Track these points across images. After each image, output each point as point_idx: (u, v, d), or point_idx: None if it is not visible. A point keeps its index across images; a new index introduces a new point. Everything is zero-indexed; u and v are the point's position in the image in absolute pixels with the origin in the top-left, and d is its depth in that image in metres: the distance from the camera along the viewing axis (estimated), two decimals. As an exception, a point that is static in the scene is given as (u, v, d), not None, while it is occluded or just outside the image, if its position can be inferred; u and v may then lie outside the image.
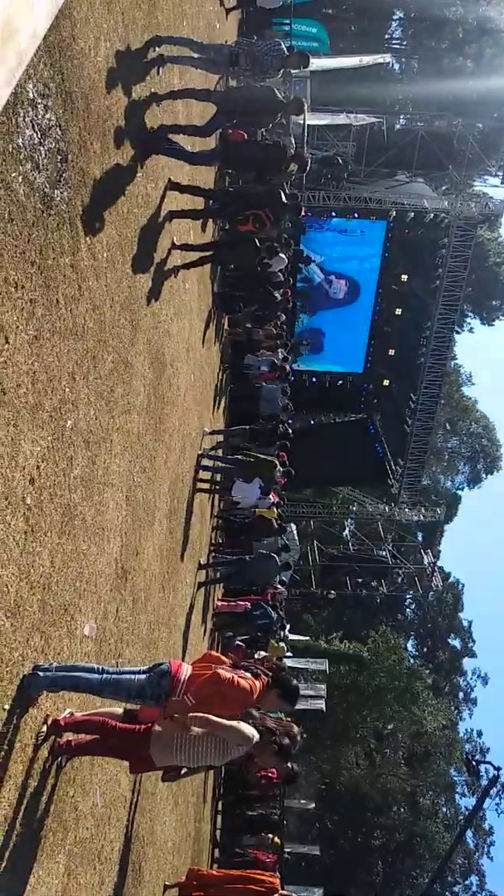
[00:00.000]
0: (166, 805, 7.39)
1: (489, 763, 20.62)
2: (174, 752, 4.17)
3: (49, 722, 3.77)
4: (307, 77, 17.38)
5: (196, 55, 6.48)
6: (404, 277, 24.19)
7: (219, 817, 13.94)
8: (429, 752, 29.66)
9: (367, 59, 23.22)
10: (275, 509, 12.11)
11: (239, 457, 10.95)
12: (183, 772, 4.61)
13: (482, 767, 22.71)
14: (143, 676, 4.04)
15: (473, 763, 23.29)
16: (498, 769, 18.68)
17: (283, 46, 6.68)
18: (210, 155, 7.35)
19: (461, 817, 31.68)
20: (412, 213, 20.46)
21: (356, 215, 21.75)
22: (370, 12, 27.73)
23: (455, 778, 32.00)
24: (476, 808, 22.09)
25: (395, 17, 33.58)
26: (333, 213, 21.49)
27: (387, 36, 33.95)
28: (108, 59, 4.60)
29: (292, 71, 7.83)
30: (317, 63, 18.77)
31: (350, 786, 28.70)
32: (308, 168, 7.82)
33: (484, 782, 22.51)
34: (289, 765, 5.23)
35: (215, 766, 4.87)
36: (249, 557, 11.23)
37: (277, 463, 10.98)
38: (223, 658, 4.48)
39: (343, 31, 26.90)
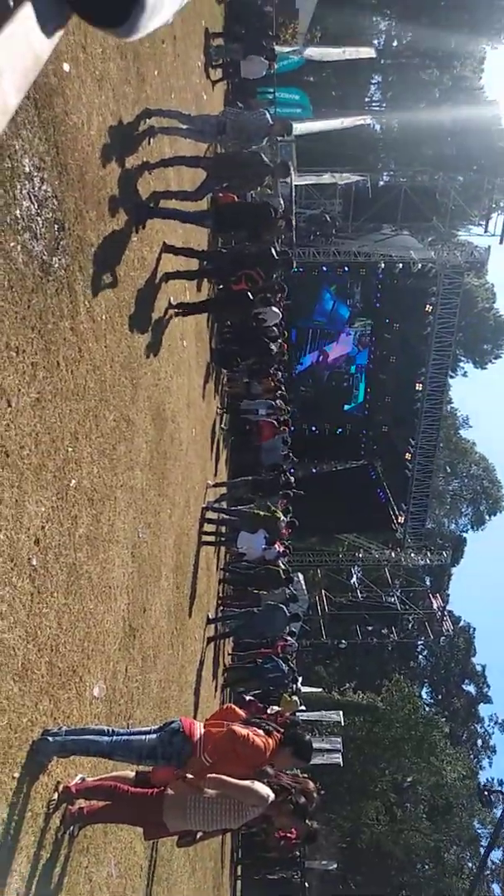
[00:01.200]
0: (184, 872, 7.15)
1: (500, 791, 20.12)
2: (187, 815, 4.07)
3: (60, 789, 3.70)
4: (293, 140, 18.01)
5: (184, 126, 6.75)
6: (396, 326, 24.64)
7: (238, 883, 13.44)
8: (450, 805, 28.71)
9: (349, 121, 24.08)
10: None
11: (242, 508, 10.95)
12: (198, 836, 4.49)
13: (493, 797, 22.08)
14: (154, 736, 3.97)
15: (486, 793, 22.59)
16: None
17: (268, 116, 6.96)
18: (201, 215, 7.58)
19: (488, 871, 30.47)
20: (400, 265, 20.92)
21: (346, 269, 22.26)
22: (350, 77, 28.91)
23: (479, 830, 30.92)
24: (495, 834, 21.40)
25: (373, 81, 35.01)
26: (324, 268, 21.98)
27: (366, 99, 35.34)
28: (101, 132, 4.81)
29: (278, 137, 8.13)
30: (301, 127, 19.46)
31: (372, 843, 27.71)
32: (294, 224, 8.09)
33: (497, 812, 21.83)
34: (308, 823, 5.09)
35: (231, 829, 4.73)
36: (258, 609, 11.12)
37: (281, 515, 10.99)
38: (239, 711, 4.42)
39: (325, 96, 27.98)
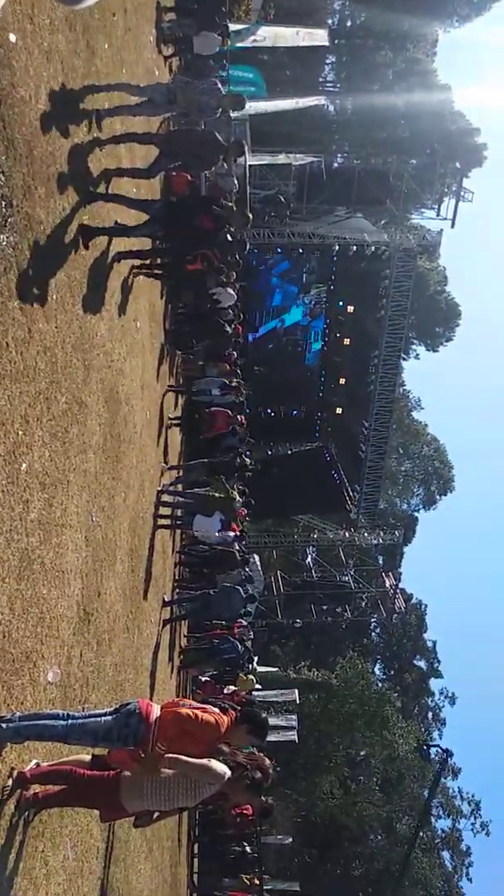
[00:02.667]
0: (140, 852, 7.20)
1: (438, 746, 21.01)
2: (145, 796, 4.09)
3: (14, 775, 3.67)
4: (246, 119, 17.84)
5: (134, 100, 6.60)
6: (350, 308, 24.81)
7: (195, 860, 13.59)
8: (402, 776, 29.46)
9: (303, 101, 23.98)
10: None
11: (198, 490, 10.94)
12: (155, 816, 4.52)
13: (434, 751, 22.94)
14: (109, 718, 3.97)
15: (425, 747, 23.42)
16: (446, 751, 19.20)
17: (220, 86, 6.87)
18: (148, 226, 7.09)
19: (437, 840, 31.50)
20: (354, 247, 21.02)
21: (300, 251, 22.28)
22: (304, 57, 28.70)
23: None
24: (432, 789, 22.31)
25: (327, 62, 34.81)
26: (279, 250, 21.95)
27: (320, 80, 35.15)
28: (50, 106, 4.68)
29: (231, 113, 8.01)
30: (255, 106, 19.30)
31: (326, 816, 28.30)
32: (249, 223, 8.10)
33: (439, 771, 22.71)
34: (263, 799, 5.18)
35: (188, 808, 4.78)
36: (213, 591, 11.16)
37: (237, 496, 11.01)
38: (188, 701, 4.44)
39: (278, 76, 27.75)
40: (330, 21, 33.27)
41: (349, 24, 34.85)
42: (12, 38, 4.04)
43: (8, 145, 3.90)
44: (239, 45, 18.39)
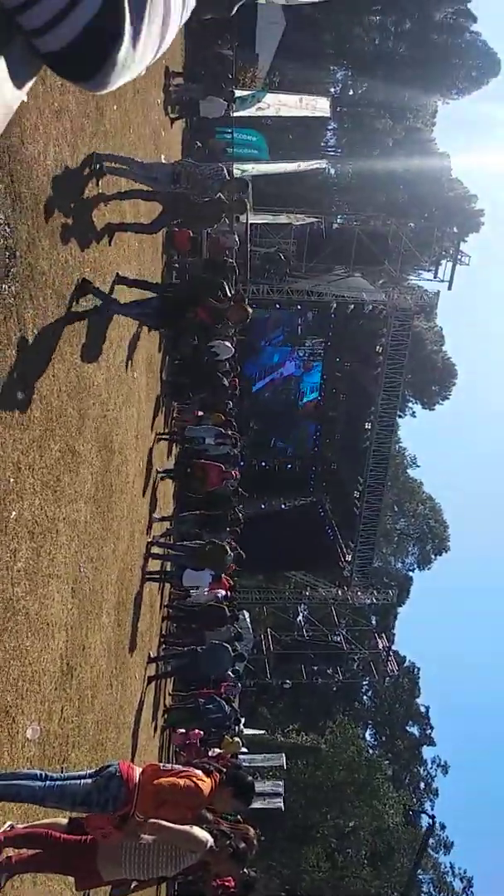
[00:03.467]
0: (115, 925, 6.83)
1: (425, 812, 20.38)
2: (122, 862, 3.91)
3: (-13, 837, 3.51)
4: (250, 179, 18.40)
5: (138, 174, 6.77)
6: (347, 365, 25.10)
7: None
8: (392, 850, 28.38)
9: (305, 165, 24.78)
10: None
11: (188, 543, 10.82)
12: (133, 885, 4.31)
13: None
14: (89, 781, 3.82)
15: (411, 813, 22.63)
16: (433, 817, 18.68)
17: (225, 172, 7.05)
18: (145, 317, 7.26)
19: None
20: (352, 305, 21.39)
21: (299, 307, 22.67)
22: (306, 123, 29.82)
23: (421, 877, 30.61)
24: (419, 855, 21.44)
25: (329, 128, 36.18)
26: (277, 305, 22.34)
27: (322, 144, 36.48)
28: (57, 163, 4.80)
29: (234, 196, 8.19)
30: (257, 167, 19.96)
31: (312, 890, 27.11)
32: (248, 317, 8.32)
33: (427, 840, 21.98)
34: (246, 871, 4.95)
35: (168, 878, 4.57)
36: (201, 648, 10.92)
37: (228, 549, 10.89)
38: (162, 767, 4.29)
39: (281, 139, 28.78)
40: (332, 90, 34.73)
41: (351, 93, 36.37)
42: (23, 97, 4.17)
43: (15, 199, 3.97)
44: (243, 113, 19.09)
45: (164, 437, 11.79)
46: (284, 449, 26.74)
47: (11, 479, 3.89)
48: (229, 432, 13.12)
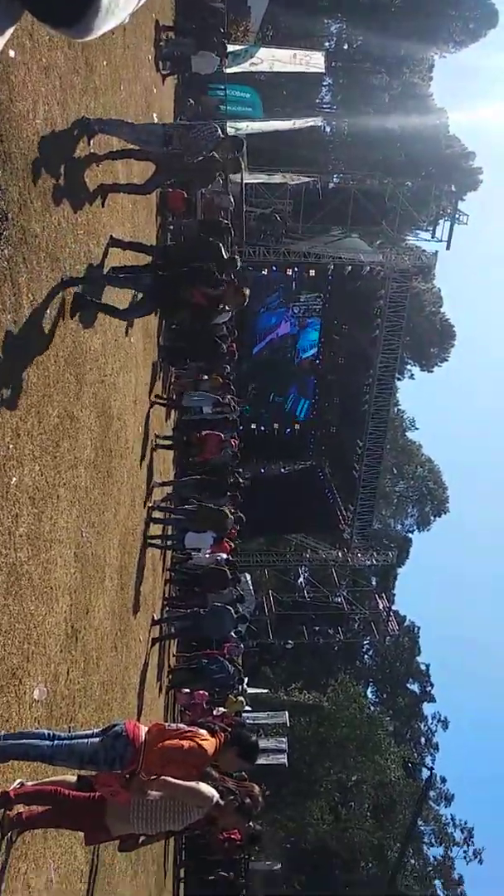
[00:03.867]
0: (125, 876, 7.05)
1: (423, 765, 20.92)
2: (131, 818, 4.01)
3: (-2, 794, 3.59)
4: (244, 137, 18.04)
5: (129, 136, 6.60)
6: (345, 328, 24.90)
7: (181, 885, 13.35)
8: (394, 803, 29.15)
9: (300, 122, 24.26)
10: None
11: (189, 507, 10.87)
12: (141, 840, 4.43)
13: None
14: (96, 740, 3.89)
15: (410, 765, 23.21)
16: (431, 769, 19.19)
17: (219, 130, 6.88)
18: (139, 308, 7.12)
19: (429, 868, 31.10)
20: (349, 267, 21.15)
21: (295, 269, 22.40)
22: (301, 79, 29.11)
23: (422, 828, 31.47)
24: (418, 806, 22.07)
25: (324, 84, 35.33)
26: (274, 267, 22.08)
27: (317, 101, 35.65)
28: (47, 121, 4.69)
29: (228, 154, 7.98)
30: (252, 126, 19.54)
31: (316, 843, 27.93)
32: (245, 301, 8.19)
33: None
34: (251, 825, 5.08)
35: (175, 832, 4.68)
36: (204, 611, 11.06)
37: (228, 512, 10.95)
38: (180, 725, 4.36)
39: (276, 96, 28.14)
40: (327, 44, 33.83)
41: (346, 47, 35.45)
42: (11, 53, 4.05)
43: (5, 160, 3.89)
44: (236, 69, 18.63)
45: (160, 401, 11.35)
46: (283, 405, 26.51)
47: (11, 445, 3.88)
48: (228, 397, 13.04)
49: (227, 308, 8.69)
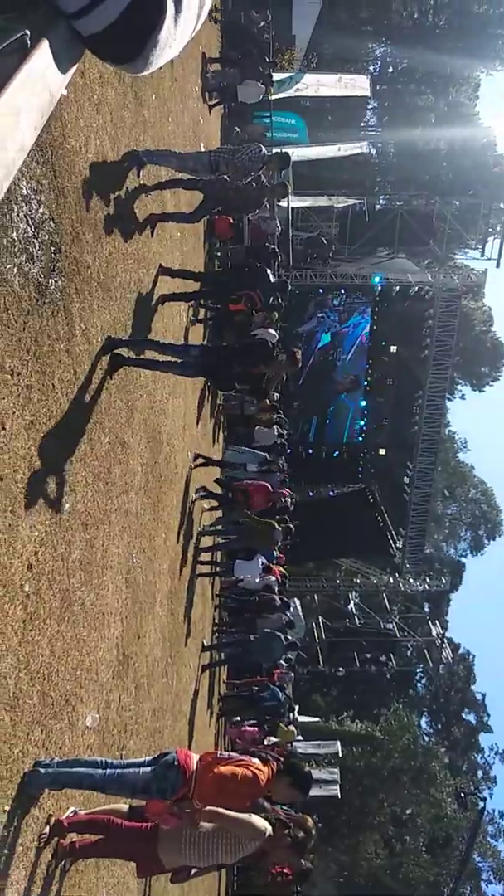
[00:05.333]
0: (177, 909, 6.95)
1: (476, 794, 20.06)
2: (183, 850, 3.95)
3: (52, 822, 3.58)
4: (290, 155, 18.22)
5: (176, 165, 6.71)
6: (393, 349, 24.71)
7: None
8: (450, 838, 28.17)
9: (346, 147, 24.40)
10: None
11: (238, 523, 10.77)
12: (193, 872, 4.35)
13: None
14: (148, 769, 3.86)
15: (462, 795, 22.27)
16: (484, 800, 18.43)
17: (264, 151, 6.95)
18: (184, 367, 6.29)
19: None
20: (397, 287, 21.05)
21: (343, 291, 22.39)
22: (346, 102, 29.35)
23: (479, 864, 30.34)
24: (471, 838, 21.20)
25: (369, 107, 35.53)
26: (321, 290, 22.12)
27: (362, 124, 35.85)
28: (99, 155, 4.81)
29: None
30: (298, 153, 19.73)
31: (370, 877, 27.14)
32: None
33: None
34: (303, 861, 4.94)
35: (227, 865, 4.59)
36: (253, 637, 10.96)
37: (275, 524, 10.73)
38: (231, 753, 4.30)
39: (321, 120, 28.41)
40: (372, 67, 34.05)
41: (391, 70, 35.61)
42: (64, 92, 4.17)
43: (59, 194, 3.99)
44: (282, 95, 18.89)
45: (201, 460, 10.14)
46: (331, 427, 26.28)
47: (64, 472, 3.93)
48: (275, 437, 12.51)
49: (281, 375, 8.54)
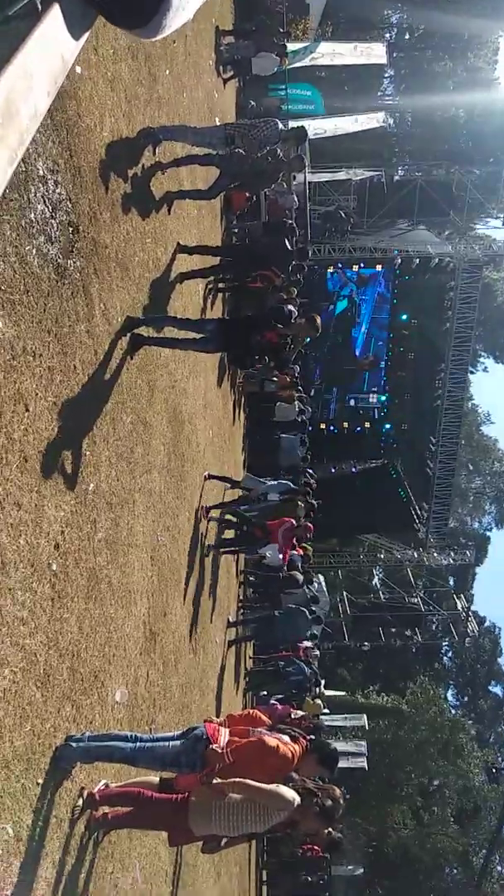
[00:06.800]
0: (209, 877, 7.10)
1: None
2: (213, 820, 4.02)
3: (84, 795, 3.66)
4: (306, 129, 17.94)
5: (192, 140, 6.63)
6: (414, 322, 24.44)
7: (264, 887, 13.37)
8: (478, 808, 28.37)
9: (363, 119, 23.95)
10: None
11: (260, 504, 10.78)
12: (223, 841, 4.43)
13: None
14: (177, 743, 3.93)
15: (493, 770, 22.37)
16: None
17: (280, 126, 6.83)
18: (204, 342, 6.15)
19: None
20: (417, 260, 20.77)
21: (362, 265, 22.12)
22: (362, 71, 28.72)
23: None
24: (503, 811, 21.30)
25: (386, 75, 34.77)
26: (339, 264, 21.87)
27: (379, 93, 35.10)
28: (114, 133, 4.77)
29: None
30: (314, 126, 19.41)
31: (399, 848, 27.48)
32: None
33: None
34: (331, 831, 5.01)
35: (257, 834, 4.67)
36: (278, 612, 11.04)
37: (297, 500, 10.71)
38: (264, 718, 4.35)
39: (337, 92, 27.83)
40: (388, 34, 33.25)
41: (407, 36, 34.74)
42: (78, 69, 4.14)
43: (75, 174, 3.98)
44: (297, 64, 18.56)
45: (217, 480, 9.37)
46: (351, 402, 26.08)
47: (87, 452, 3.96)
48: (296, 412, 12.35)
49: (300, 339, 8.47)
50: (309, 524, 10.82)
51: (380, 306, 24.08)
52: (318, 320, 9.12)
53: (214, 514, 8.87)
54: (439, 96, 30.21)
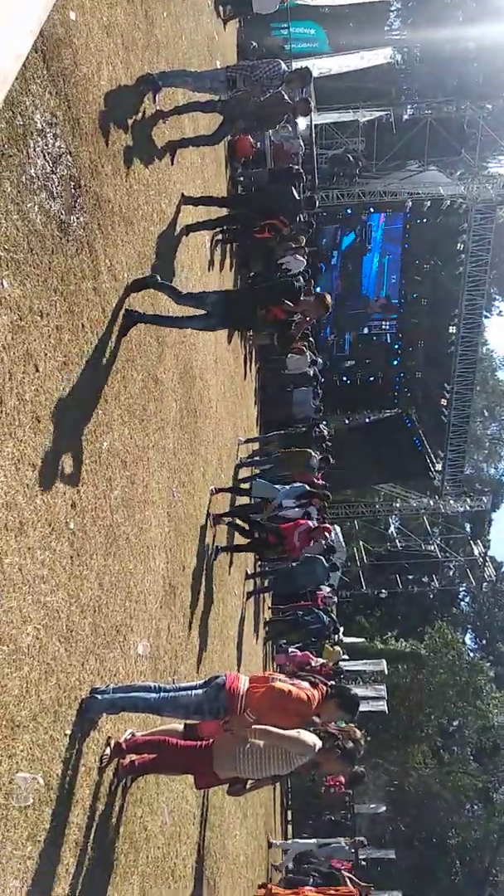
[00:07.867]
0: (235, 819, 7.35)
1: None
2: (237, 763, 4.15)
3: (111, 744, 3.78)
4: (311, 70, 17.36)
5: (192, 85, 6.41)
6: (426, 266, 23.97)
7: (289, 827, 13.86)
8: (498, 746, 28.99)
9: (369, 55, 23.10)
10: None
11: (275, 454, 10.79)
12: (248, 785, 4.58)
13: None
14: (200, 691, 4.03)
15: None
16: None
17: (283, 67, 6.60)
18: (206, 319, 5.57)
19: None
20: (429, 202, 20.27)
21: (371, 210, 21.62)
22: (367, 6, 27.57)
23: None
24: None
25: (392, 9, 33.38)
26: (349, 210, 21.39)
27: (385, 28, 33.73)
28: (112, 81, 4.64)
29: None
30: (319, 65, 18.75)
31: (420, 786, 28.24)
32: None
33: None
34: (354, 769, 5.16)
35: (281, 777, 4.81)
36: (295, 563, 11.15)
37: (310, 451, 10.68)
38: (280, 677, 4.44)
39: (342, 26, 26.78)
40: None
41: (414, -33, 33.23)
42: (72, 15, 4.00)
43: (74, 125, 3.88)
44: (300, 1, 17.86)
45: (223, 491, 8.56)
46: (363, 351, 25.79)
47: (100, 411, 3.97)
48: (308, 363, 12.33)
49: (309, 318, 8.25)
50: (326, 525, 10.40)
51: (392, 237, 23.41)
52: (328, 298, 8.91)
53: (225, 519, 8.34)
54: (448, 29, 29.00)
